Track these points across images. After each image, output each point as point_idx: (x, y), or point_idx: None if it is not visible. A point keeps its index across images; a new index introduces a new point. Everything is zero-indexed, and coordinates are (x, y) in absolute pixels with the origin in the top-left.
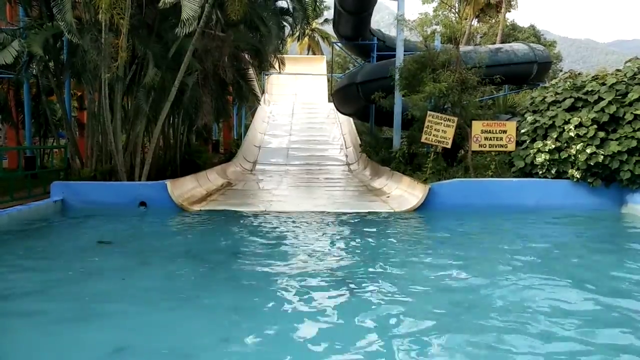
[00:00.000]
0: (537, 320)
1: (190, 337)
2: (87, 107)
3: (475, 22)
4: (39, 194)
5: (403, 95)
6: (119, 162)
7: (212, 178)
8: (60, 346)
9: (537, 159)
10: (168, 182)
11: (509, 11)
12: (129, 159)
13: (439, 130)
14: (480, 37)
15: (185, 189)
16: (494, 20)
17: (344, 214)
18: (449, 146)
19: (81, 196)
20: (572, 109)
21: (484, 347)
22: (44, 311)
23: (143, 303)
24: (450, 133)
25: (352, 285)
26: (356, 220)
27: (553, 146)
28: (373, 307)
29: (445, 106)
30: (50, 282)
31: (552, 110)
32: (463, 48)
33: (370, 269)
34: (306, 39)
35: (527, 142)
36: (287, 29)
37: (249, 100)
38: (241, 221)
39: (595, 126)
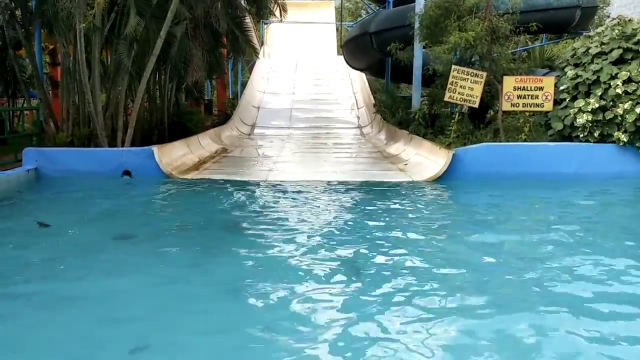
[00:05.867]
0: None
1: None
2: (61, 63)
3: None
4: (10, 162)
5: (424, 47)
6: (98, 125)
7: (204, 143)
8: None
9: (578, 120)
10: (155, 148)
11: None
12: (110, 122)
13: (465, 87)
14: None
15: (174, 155)
16: None
17: (355, 183)
18: (476, 105)
19: (57, 164)
20: (620, 61)
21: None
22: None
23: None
24: (478, 90)
25: (363, 271)
26: (369, 191)
27: (597, 105)
28: (386, 296)
29: (473, 59)
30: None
31: (597, 64)
32: None
33: (385, 252)
34: None
35: (567, 100)
36: None
37: (245, 53)
38: (238, 192)
39: None
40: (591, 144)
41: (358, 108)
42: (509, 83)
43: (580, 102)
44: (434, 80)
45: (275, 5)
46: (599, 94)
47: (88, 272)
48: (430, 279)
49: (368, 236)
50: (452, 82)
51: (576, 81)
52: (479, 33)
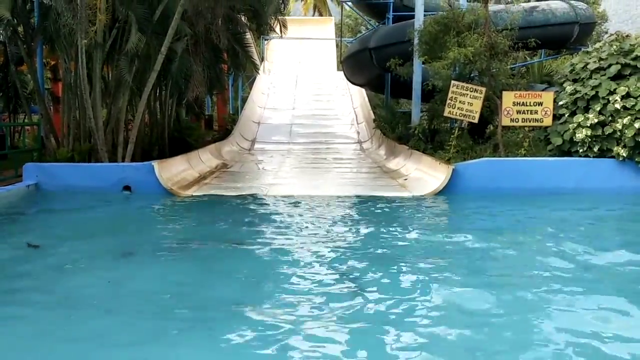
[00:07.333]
0: None
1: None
2: (63, 78)
3: None
4: (10, 177)
5: (423, 62)
6: (99, 140)
7: (205, 159)
8: None
9: (577, 135)
10: (155, 164)
11: None
12: (110, 138)
13: (465, 103)
14: None
15: (175, 171)
16: None
17: (355, 198)
18: (475, 121)
19: (57, 179)
20: (618, 77)
21: None
22: None
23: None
24: (477, 106)
25: (364, 287)
26: (369, 206)
27: (596, 120)
28: (387, 313)
29: (472, 74)
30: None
31: (595, 79)
32: (493, 7)
33: (385, 267)
34: None
35: (566, 115)
36: None
37: (246, 69)
38: (238, 207)
39: None
40: (590, 159)
41: (358, 123)
42: (508, 98)
43: (579, 117)
44: (434, 95)
45: (276, 22)
46: (598, 109)
47: (84, 289)
48: (431, 294)
49: (368, 251)
50: (452, 97)
51: (575, 96)
52: (477, 49)
